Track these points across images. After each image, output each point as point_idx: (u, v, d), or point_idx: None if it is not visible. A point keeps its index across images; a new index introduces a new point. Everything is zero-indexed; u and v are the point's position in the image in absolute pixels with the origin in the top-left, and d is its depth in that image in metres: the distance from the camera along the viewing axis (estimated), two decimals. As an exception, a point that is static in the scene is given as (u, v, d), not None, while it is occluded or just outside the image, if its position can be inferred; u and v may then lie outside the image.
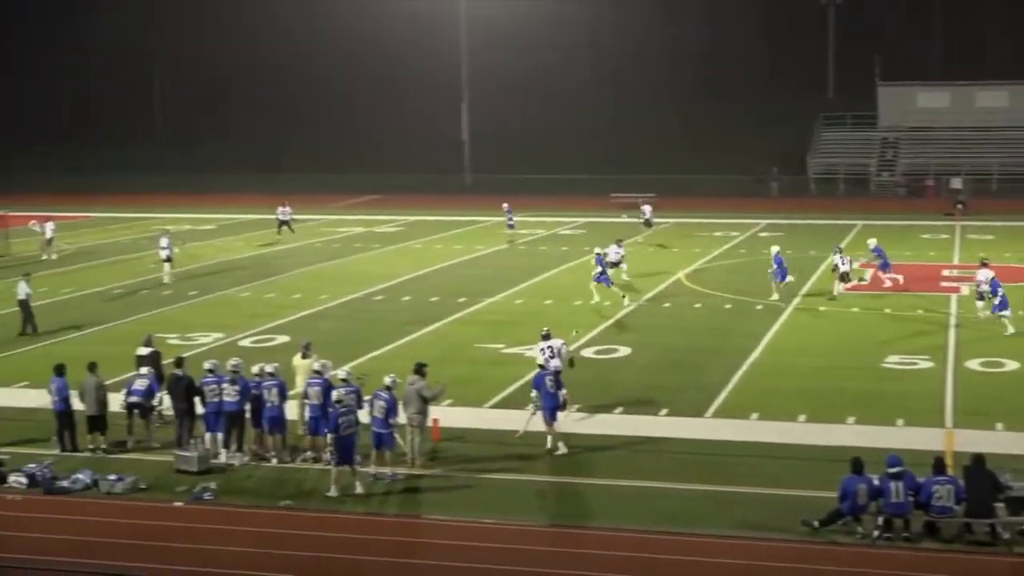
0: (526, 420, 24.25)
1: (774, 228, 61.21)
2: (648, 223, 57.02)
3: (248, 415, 23.42)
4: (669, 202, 72.01)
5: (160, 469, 22.79)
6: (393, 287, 43.60)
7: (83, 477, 21.99)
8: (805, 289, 41.32)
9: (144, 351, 26.25)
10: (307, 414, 23.27)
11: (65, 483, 21.88)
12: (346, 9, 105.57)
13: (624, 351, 32.46)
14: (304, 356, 24.78)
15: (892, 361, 30.82)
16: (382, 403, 22.14)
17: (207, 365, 23.87)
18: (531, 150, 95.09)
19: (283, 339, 33.77)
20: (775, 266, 39.58)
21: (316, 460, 22.87)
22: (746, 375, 29.77)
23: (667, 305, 39.50)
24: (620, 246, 43.05)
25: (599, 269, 39.04)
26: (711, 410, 26.56)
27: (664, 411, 26.43)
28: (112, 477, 21.83)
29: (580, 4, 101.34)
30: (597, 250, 40.54)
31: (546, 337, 26.21)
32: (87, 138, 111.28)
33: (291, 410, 23.65)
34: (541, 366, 24.78)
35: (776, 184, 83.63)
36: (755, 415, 25.99)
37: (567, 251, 52.58)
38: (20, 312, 35.70)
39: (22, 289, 35.82)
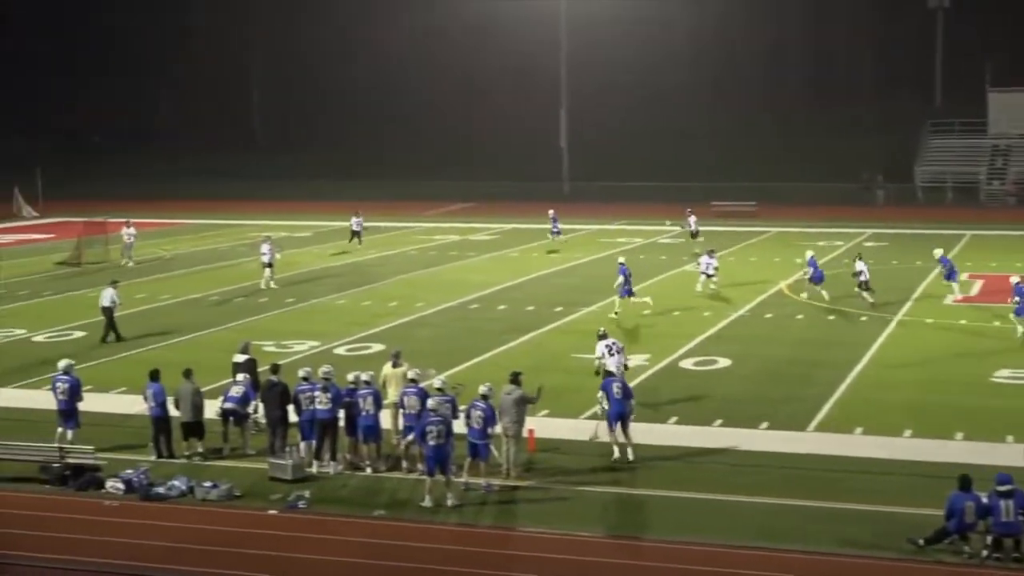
0: (596, 425, 24.26)
1: (879, 237, 60.13)
2: (694, 234, 56.14)
3: (342, 423, 23.37)
4: (771, 210, 71.42)
5: (255, 476, 22.81)
6: (489, 295, 43.48)
7: (179, 484, 22.08)
8: (911, 300, 40.45)
9: (240, 358, 26.27)
10: (402, 423, 23.18)
11: (161, 489, 21.97)
12: (440, 16, 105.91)
13: (724, 362, 31.93)
14: (395, 365, 24.61)
15: (1002, 375, 29.94)
16: (480, 413, 21.94)
17: (301, 373, 23.85)
18: (629, 155, 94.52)
19: (378, 347, 33.71)
20: (811, 268, 40.41)
21: (410, 470, 22.75)
22: (850, 388, 29.08)
23: (769, 316, 38.85)
24: (712, 257, 42.91)
25: (620, 279, 38.56)
26: (813, 424, 25.96)
27: (765, 424, 25.88)
28: (207, 484, 21.90)
29: (681, 5, 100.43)
30: (620, 260, 39.95)
31: (603, 337, 27.35)
32: (186, 146, 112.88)
33: (384, 419, 23.54)
34: (610, 372, 24.68)
35: (882, 192, 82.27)
36: (859, 429, 25.34)
37: (666, 260, 52.02)
38: (104, 319, 35.65)
39: (107, 296, 35.73)
